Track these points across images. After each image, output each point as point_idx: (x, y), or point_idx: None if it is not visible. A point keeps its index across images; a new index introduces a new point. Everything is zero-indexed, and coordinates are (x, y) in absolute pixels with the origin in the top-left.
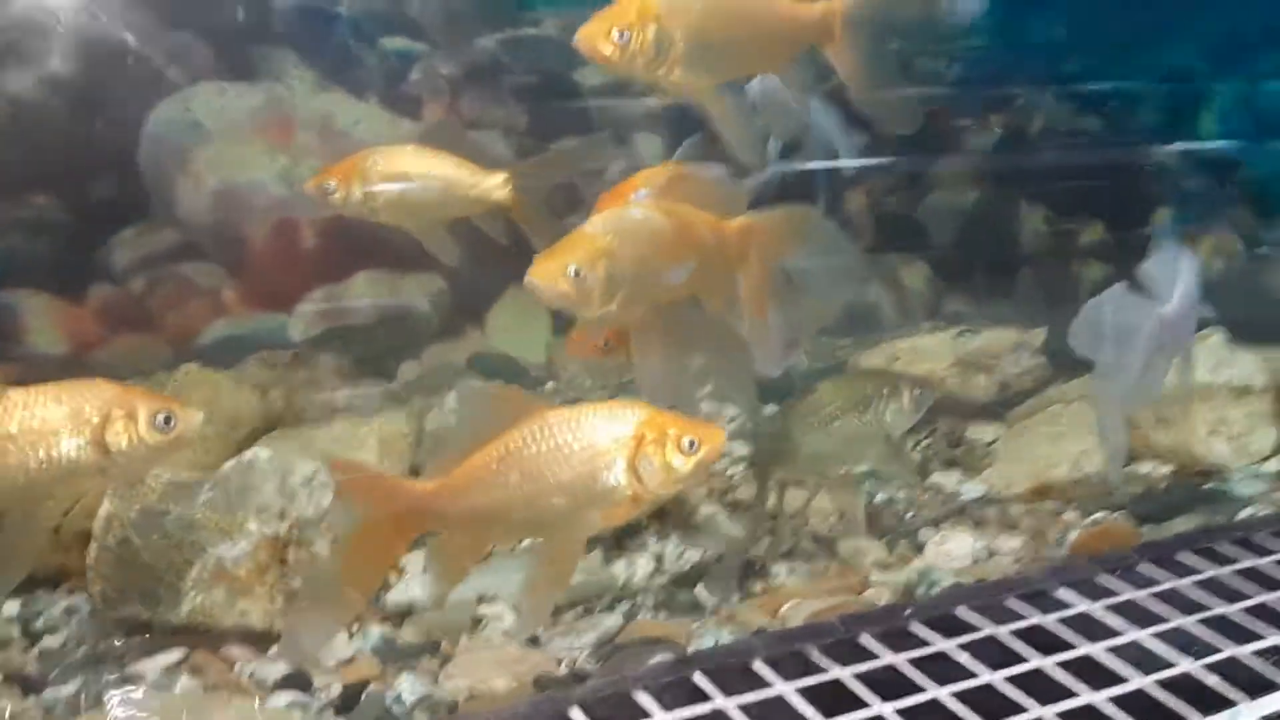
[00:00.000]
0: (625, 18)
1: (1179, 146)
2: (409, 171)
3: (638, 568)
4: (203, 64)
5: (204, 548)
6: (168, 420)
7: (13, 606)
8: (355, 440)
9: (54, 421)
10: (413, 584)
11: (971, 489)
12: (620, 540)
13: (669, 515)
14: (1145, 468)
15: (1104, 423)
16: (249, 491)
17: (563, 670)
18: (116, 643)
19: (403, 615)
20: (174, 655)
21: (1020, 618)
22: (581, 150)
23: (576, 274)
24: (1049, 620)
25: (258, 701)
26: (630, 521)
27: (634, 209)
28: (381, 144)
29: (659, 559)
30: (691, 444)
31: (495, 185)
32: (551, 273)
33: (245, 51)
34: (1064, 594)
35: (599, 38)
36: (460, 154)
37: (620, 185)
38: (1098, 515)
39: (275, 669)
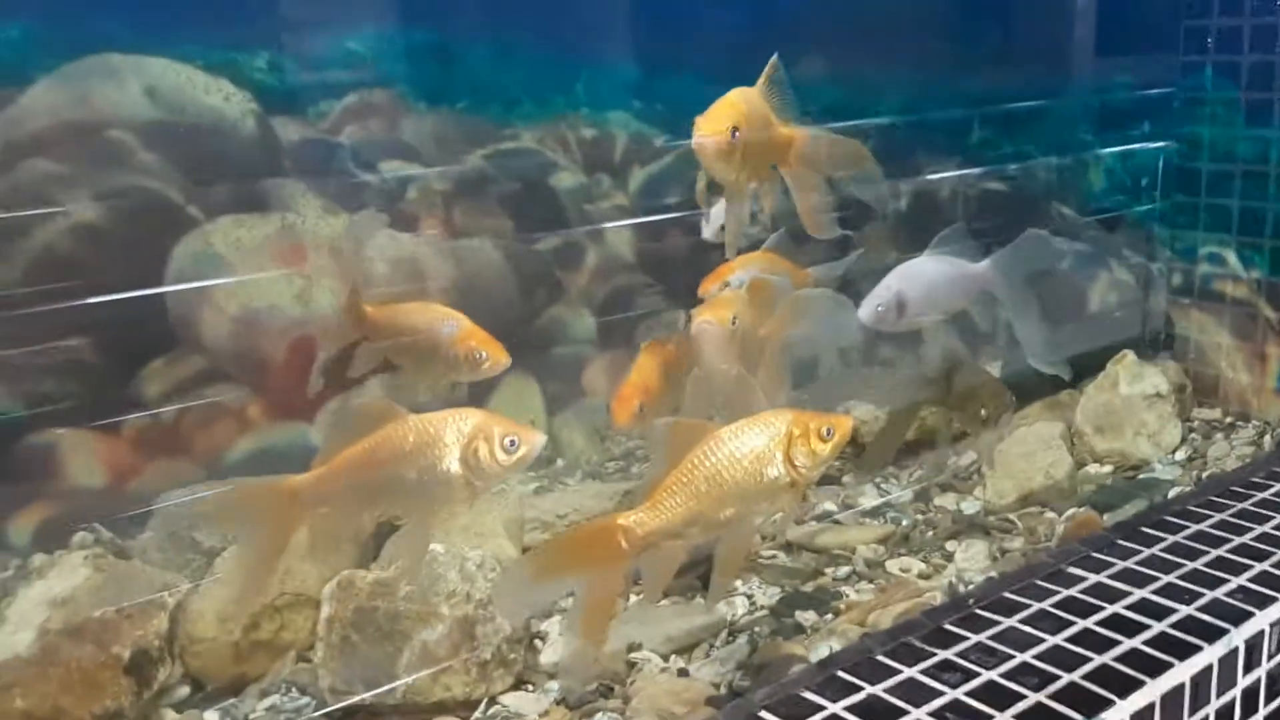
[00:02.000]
0: (734, 120)
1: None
2: None
3: (737, 606)
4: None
5: (409, 635)
6: (513, 443)
7: (213, 715)
8: (483, 528)
9: (434, 439)
10: (557, 646)
11: (969, 506)
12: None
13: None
14: (1093, 470)
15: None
16: (437, 581)
17: (723, 691)
18: None
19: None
20: None
21: (1054, 593)
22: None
23: (736, 325)
24: (1074, 592)
25: None
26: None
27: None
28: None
29: (750, 598)
30: (828, 431)
31: None
32: (723, 319)
33: (258, 184)
34: (1074, 570)
35: (721, 134)
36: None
37: (720, 268)
38: (1070, 511)
39: None
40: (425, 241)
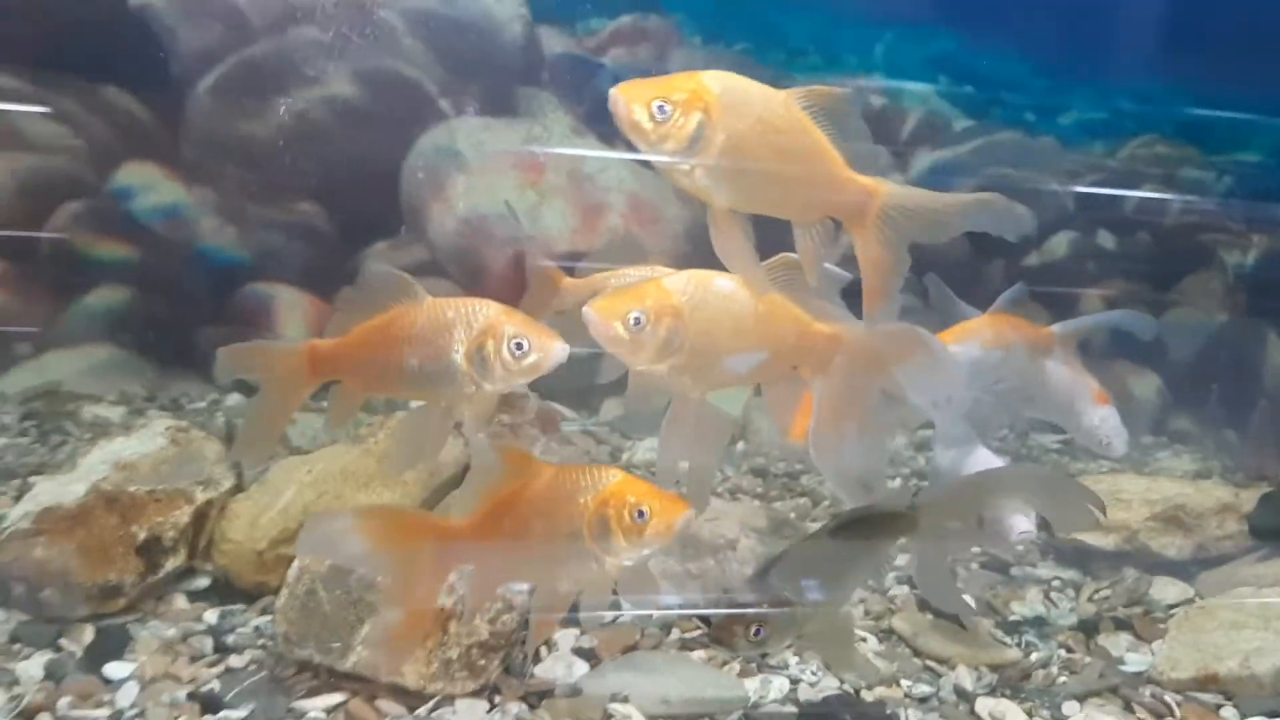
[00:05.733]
0: (673, 94)
1: None
2: None
3: (771, 687)
4: (472, 99)
5: (375, 609)
6: (520, 347)
7: (212, 615)
8: None
9: (443, 327)
10: (558, 664)
11: (1136, 661)
12: (764, 657)
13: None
14: None
15: None
16: None
17: None
18: (290, 676)
19: (541, 695)
20: (336, 698)
21: None
22: None
23: (637, 324)
24: None
25: None
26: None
27: (721, 280)
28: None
29: (795, 682)
30: (641, 514)
31: None
32: (613, 312)
33: (511, 91)
34: None
35: (638, 102)
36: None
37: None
38: None
39: None
40: (660, 185)
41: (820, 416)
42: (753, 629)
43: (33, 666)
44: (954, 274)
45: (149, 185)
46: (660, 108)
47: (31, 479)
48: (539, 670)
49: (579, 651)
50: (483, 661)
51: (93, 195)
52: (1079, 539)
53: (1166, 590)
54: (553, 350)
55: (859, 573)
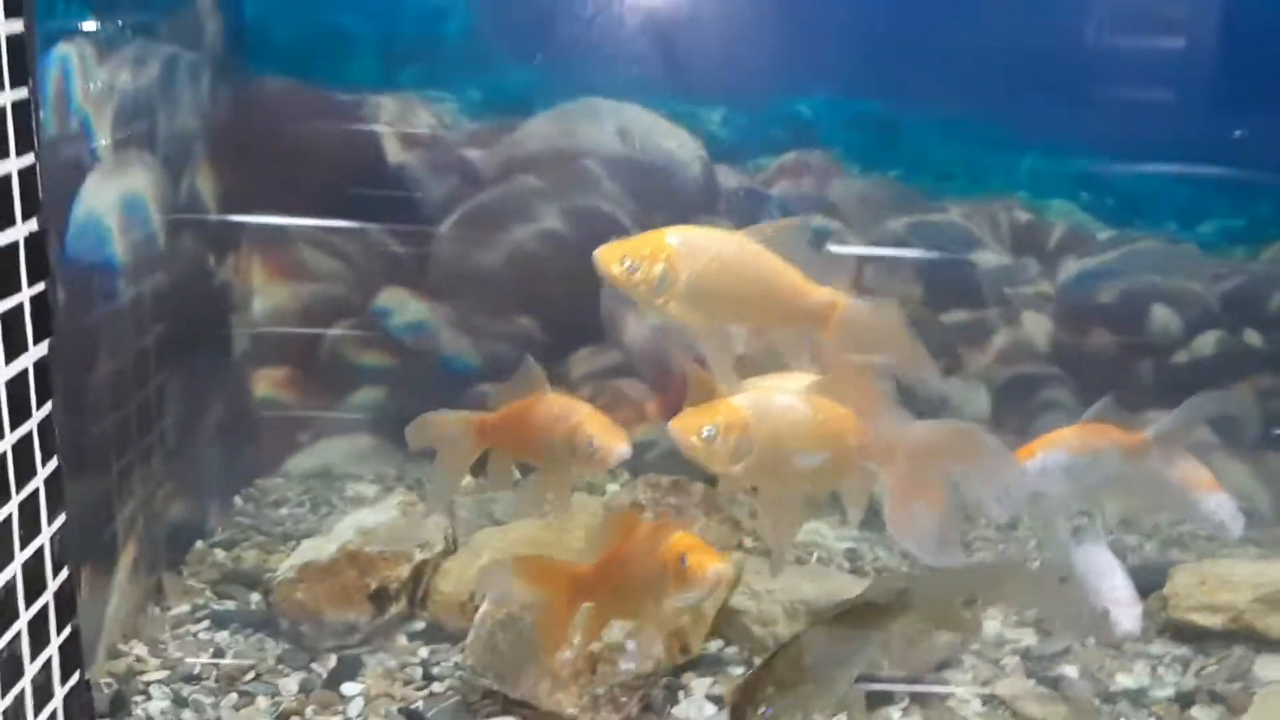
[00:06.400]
0: (640, 251)
1: None
2: None
3: None
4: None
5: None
6: (591, 445)
7: (424, 651)
8: None
9: (554, 419)
10: (691, 706)
11: None
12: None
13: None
14: None
15: None
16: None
17: None
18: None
19: None
20: None
21: None
22: None
23: (709, 436)
24: None
25: None
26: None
27: (783, 395)
28: None
29: None
30: (681, 560)
31: None
32: (689, 428)
33: (693, 221)
34: None
35: (612, 260)
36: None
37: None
38: None
39: None
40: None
41: (890, 503)
42: (762, 709)
43: (290, 683)
44: (1106, 372)
45: (402, 306)
46: (630, 264)
47: (302, 541)
48: (675, 711)
49: (710, 697)
50: (624, 699)
51: (359, 314)
52: (1190, 619)
53: (1272, 668)
54: (614, 451)
55: (858, 655)
